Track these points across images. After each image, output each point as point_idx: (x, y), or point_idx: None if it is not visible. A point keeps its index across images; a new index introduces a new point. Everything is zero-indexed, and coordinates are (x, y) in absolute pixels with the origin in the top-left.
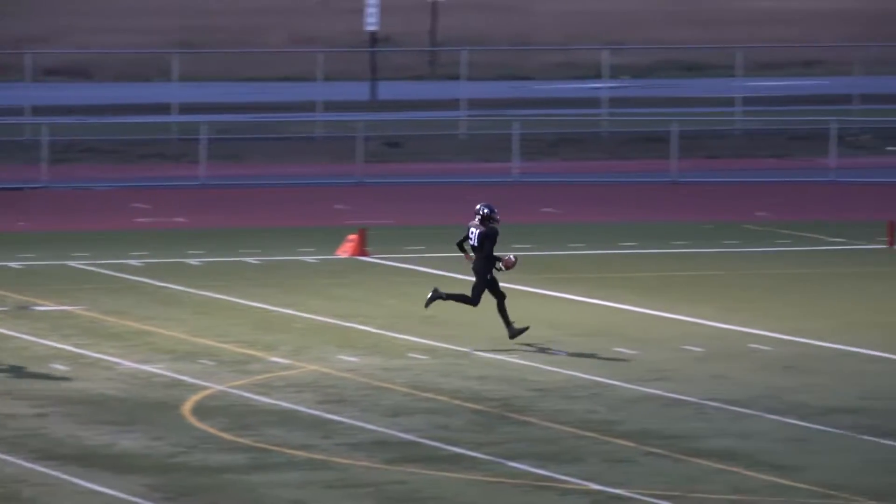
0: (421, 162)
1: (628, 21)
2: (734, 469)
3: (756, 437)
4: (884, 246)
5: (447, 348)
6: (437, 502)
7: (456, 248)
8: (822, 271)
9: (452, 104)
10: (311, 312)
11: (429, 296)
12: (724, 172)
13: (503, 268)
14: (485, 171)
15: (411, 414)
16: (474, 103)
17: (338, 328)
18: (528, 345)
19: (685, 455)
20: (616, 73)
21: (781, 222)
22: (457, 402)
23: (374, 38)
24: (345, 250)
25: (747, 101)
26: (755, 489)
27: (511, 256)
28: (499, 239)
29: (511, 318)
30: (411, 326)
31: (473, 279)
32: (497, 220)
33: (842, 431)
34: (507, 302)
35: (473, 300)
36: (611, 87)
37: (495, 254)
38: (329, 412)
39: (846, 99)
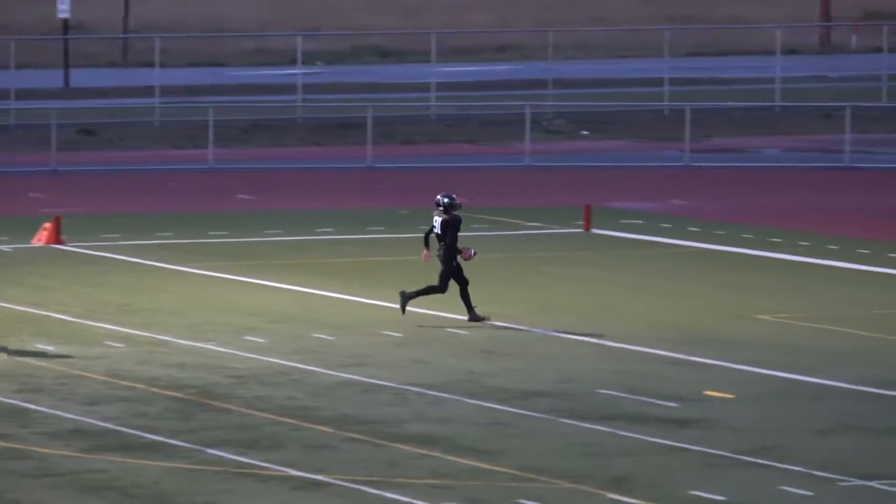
0: (115, 150)
1: (323, 7)
2: (434, 454)
3: (456, 421)
4: (580, 230)
5: (145, 336)
6: (137, 490)
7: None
8: (519, 256)
9: (146, 91)
10: (7, 301)
11: (400, 304)
12: (419, 158)
13: (462, 258)
14: (180, 159)
15: (109, 402)
16: (168, 90)
17: (34, 317)
18: (225, 332)
19: (385, 440)
20: (310, 59)
21: (477, 208)
22: (155, 389)
23: (66, 26)
24: (40, 239)
25: (441, 86)
26: (455, 473)
27: (472, 251)
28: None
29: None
30: (108, 314)
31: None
32: (459, 207)
33: (540, 415)
34: (469, 288)
35: (441, 288)
36: (305, 74)
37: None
38: (26, 401)
39: (540, 84)
